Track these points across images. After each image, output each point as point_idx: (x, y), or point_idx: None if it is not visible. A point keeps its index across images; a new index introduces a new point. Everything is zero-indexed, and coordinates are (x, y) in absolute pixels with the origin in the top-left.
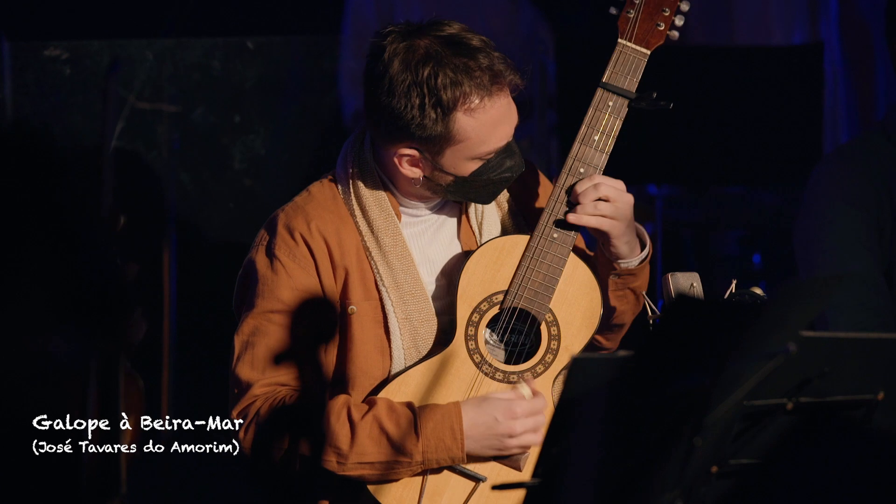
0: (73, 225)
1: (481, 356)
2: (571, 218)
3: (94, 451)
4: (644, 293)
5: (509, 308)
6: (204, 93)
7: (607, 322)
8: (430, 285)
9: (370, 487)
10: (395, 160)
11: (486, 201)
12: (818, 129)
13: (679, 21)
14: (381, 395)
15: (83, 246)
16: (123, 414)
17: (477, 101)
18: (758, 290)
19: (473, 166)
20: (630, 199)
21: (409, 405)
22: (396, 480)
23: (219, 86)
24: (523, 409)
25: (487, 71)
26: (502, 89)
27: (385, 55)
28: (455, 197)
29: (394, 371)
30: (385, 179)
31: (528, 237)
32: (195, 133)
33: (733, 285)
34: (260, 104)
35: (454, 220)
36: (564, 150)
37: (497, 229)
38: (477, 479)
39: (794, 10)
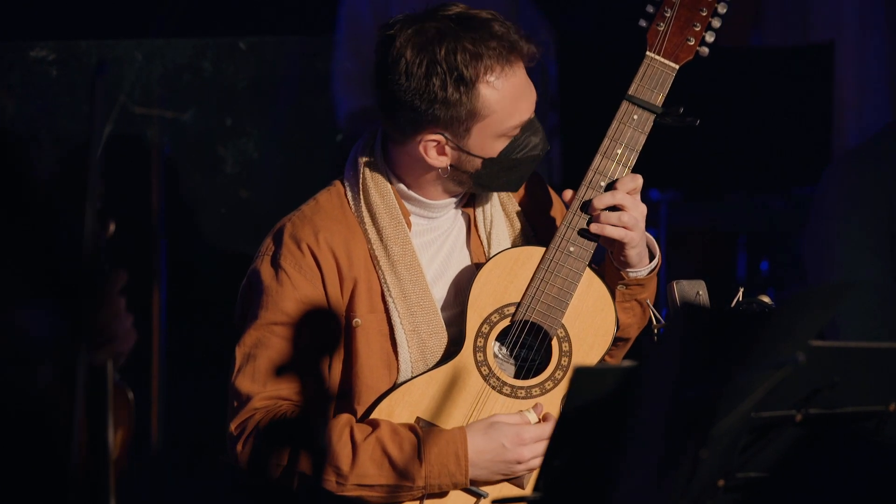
0: (44, 203)
1: (489, 369)
2: (594, 228)
3: (82, 465)
4: (649, 301)
5: (521, 321)
6: (195, 95)
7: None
8: (437, 296)
9: None
10: (421, 149)
11: (515, 187)
12: (828, 131)
13: (710, 38)
14: (384, 404)
15: (53, 223)
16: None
17: (498, 72)
18: (765, 298)
19: (500, 145)
20: (644, 208)
21: (413, 428)
22: None
23: (210, 87)
24: (532, 434)
25: (504, 41)
26: (519, 59)
27: (396, 43)
28: (481, 187)
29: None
30: (397, 182)
31: (543, 249)
32: (185, 136)
33: (740, 293)
34: (252, 106)
35: (463, 230)
36: (566, 153)
37: (505, 238)
38: (478, 496)
39: (869, 8)
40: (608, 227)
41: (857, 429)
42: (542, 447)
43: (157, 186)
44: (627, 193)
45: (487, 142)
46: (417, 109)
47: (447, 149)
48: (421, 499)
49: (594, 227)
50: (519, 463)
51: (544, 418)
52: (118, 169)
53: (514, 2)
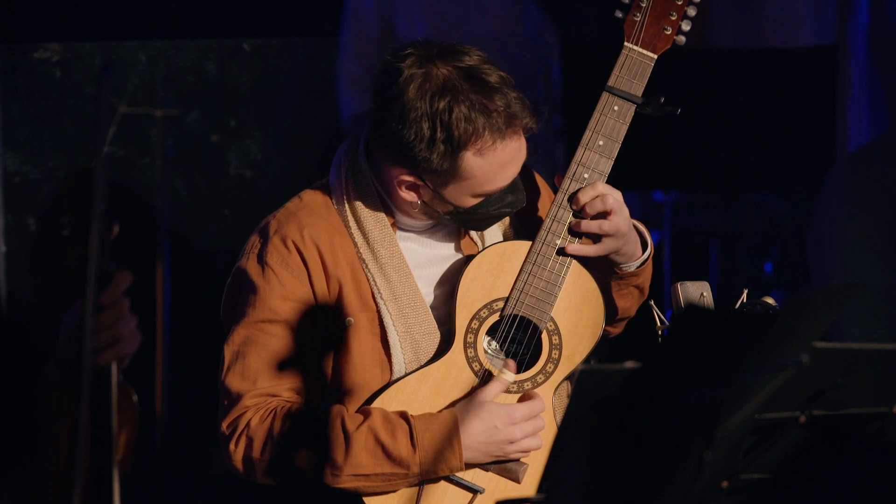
0: None
1: (480, 364)
2: (570, 249)
3: (86, 466)
4: (652, 303)
5: (510, 315)
6: (198, 96)
7: (612, 318)
8: (428, 297)
9: (364, 498)
10: (394, 182)
11: (481, 230)
12: (831, 133)
13: (686, 26)
14: (376, 403)
15: None
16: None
17: (489, 143)
18: (770, 300)
19: (475, 201)
20: (627, 212)
21: (405, 415)
22: (392, 492)
23: (214, 89)
24: (522, 413)
25: (504, 112)
26: (516, 132)
27: (401, 79)
28: (450, 223)
29: None
30: (380, 190)
31: (529, 243)
32: (189, 138)
33: (745, 295)
34: (256, 108)
35: (452, 230)
36: (570, 155)
37: (498, 233)
38: (475, 491)
39: (822, 11)
40: (592, 249)
41: (860, 430)
42: (531, 426)
43: (160, 188)
44: (614, 198)
45: (462, 197)
46: (400, 150)
47: (420, 190)
48: (419, 492)
49: (570, 249)
50: (511, 443)
51: (527, 397)
52: (122, 170)
53: (518, 4)
